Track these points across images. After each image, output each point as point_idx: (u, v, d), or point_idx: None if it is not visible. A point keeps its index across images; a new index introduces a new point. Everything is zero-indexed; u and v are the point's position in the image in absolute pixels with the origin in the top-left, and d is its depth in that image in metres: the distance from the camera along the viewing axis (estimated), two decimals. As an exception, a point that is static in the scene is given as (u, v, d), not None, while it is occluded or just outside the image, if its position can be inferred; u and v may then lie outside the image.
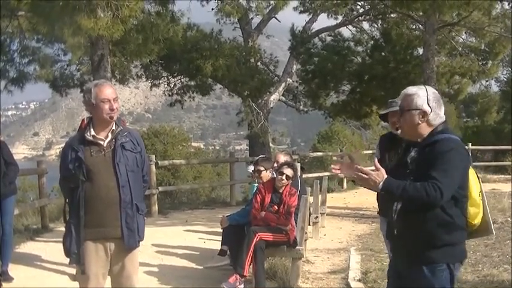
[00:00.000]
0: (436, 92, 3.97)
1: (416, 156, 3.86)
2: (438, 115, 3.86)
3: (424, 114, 3.84)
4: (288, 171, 7.81)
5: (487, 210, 3.92)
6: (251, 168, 9.12)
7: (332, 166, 3.90)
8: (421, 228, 3.75)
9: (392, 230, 3.93)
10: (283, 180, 7.76)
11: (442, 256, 3.75)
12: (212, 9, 20.66)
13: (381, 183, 3.65)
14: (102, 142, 4.69)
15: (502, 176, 23.22)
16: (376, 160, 3.82)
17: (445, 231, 3.72)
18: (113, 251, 4.72)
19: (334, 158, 3.87)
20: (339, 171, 3.86)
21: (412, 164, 3.86)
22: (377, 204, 6.06)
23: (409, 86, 4.08)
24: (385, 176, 3.67)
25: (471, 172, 3.84)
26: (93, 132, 4.71)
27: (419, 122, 3.85)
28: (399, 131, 5.71)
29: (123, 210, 4.63)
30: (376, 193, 4.11)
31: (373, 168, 3.71)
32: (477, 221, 3.88)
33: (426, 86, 4.00)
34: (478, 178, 3.94)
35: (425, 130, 3.87)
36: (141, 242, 4.85)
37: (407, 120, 3.90)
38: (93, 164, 4.61)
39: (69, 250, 4.66)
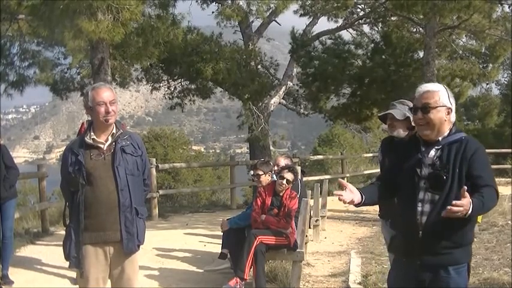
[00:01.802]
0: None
1: (441, 154, 3.81)
2: (454, 112, 3.88)
3: (449, 111, 3.83)
4: (289, 176, 7.80)
5: None
6: (252, 173, 9.13)
7: None
8: (454, 227, 3.72)
9: (415, 232, 3.81)
10: (283, 184, 7.76)
11: (465, 255, 3.79)
12: (212, 12, 20.67)
13: (470, 209, 3.51)
14: (102, 145, 4.69)
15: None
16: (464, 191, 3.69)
17: (470, 229, 3.77)
18: (113, 254, 4.71)
19: None
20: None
21: (437, 162, 3.80)
22: (378, 207, 6.06)
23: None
24: (470, 200, 3.54)
25: None
26: (93, 136, 4.70)
27: (446, 119, 3.82)
28: (395, 133, 5.77)
29: (122, 214, 4.62)
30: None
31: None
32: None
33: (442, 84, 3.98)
34: None
35: (447, 127, 3.85)
36: (141, 246, 4.84)
37: (437, 117, 3.82)
38: (93, 168, 4.61)
39: (69, 253, 4.67)
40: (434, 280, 3.80)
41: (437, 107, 3.81)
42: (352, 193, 3.83)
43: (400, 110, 5.77)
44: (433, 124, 3.82)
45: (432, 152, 3.85)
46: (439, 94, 3.83)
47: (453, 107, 3.85)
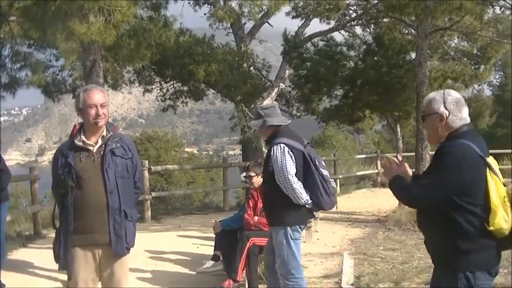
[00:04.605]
0: (456, 94, 3.97)
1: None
2: (457, 117, 3.87)
3: (441, 117, 3.86)
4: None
5: None
6: (244, 174, 9.14)
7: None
8: (433, 234, 3.90)
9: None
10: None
11: (458, 263, 3.74)
12: (205, 14, 20.68)
13: (392, 176, 3.95)
14: (91, 148, 4.68)
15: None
16: (400, 155, 4.00)
17: (455, 238, 3.72)
18: (102, 257, 4.70)
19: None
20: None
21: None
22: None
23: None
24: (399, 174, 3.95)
25: (492, 177, 3.73)
26: (83, 138, 4.70)
27: (438, 126, 3.88)
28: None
29: (111, 217, 4.61)
30: None
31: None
32: (505, 226, 3.71)
33: (446, 90, 4.01)
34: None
35: (445, 133, 3.89)
36: (133, 248, 4.83)
37: (428, 125, 3.98)
38: (82, 170, 4.60)
39: (58, 255, 4.67)
40: (436, 277, 3.98)
41: (428, 114, 3.94)
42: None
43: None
44: (427, 132, 4.06)
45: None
46: (431, 102, 3.93)
47: (448, 113, 3.86)
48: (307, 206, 5.94)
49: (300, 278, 6.08)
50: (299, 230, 6.06)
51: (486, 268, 3.78)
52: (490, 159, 3.81)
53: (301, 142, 6.09)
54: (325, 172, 6.02)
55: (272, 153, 5.97)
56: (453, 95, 3.94)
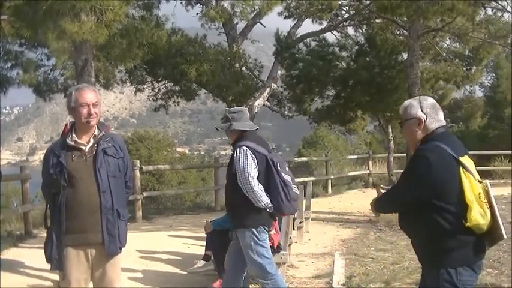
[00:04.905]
0: (431, 100, 4.15)
1: None
2: (434, 119, 4.04)
3: (420, 121, 4.02)
4: None
5: (495, 213, 3.87)
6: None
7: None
8: (413, 235, 4.12)
9: None
10: None
11: (440, 261, 3.86)
12: (197, 14, 20.62)
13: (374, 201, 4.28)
14: (83, 147, 4.67)
15: (487, 180, 23.23)
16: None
17: (435, 237, 3.85)
18: (94, 256, 4.70)
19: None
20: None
21: None
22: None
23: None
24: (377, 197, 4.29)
25: (466, 176, 3.84)
26: (75, 137, 4.69)
27: (417, 129, 4.04)
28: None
29: (104, 216, 4.60)
30: None
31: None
32: (482, 221, 3.78)
33: (421, 96, 4.22)
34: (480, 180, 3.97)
35: (421, 137, 4.05)
36: (125, 248, 4.83)
37: (407, 130, 4.11)
38: (74, 169, 4.59)
39: (50, 255, 4.65)
40: (422, 274, 4.17)
41: (406, 120, 4.11)
42: None
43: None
44: (407, 137, 4.23)
45: None
46: (408, 108, 4.11)
47: (426, 117, 4.03)
48: (267, 209, 5.97)
49: (276, 274, 6.17)
50: (264, 230, 6.10)
51: (467, 264, 3.88)
52: (465, 159, 3.91)
53: (266, 147, 6.13)
54: (287, 178, 6.03)
55: (235, 155, 6.01)
56: (429, 100, 4.14)
